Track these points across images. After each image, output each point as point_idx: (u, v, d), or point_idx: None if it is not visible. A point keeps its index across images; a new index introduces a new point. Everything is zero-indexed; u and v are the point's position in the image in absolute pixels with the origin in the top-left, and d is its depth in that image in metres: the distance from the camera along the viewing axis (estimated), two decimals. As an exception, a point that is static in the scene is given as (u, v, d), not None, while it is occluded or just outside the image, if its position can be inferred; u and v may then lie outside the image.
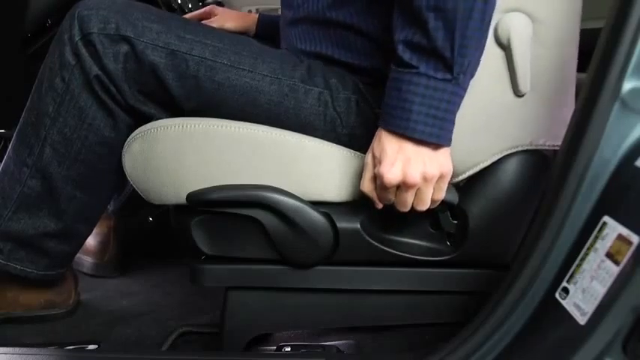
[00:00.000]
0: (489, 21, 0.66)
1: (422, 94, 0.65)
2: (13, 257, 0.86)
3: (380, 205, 0.72)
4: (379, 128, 0.70)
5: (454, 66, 0.64)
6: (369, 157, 0.71)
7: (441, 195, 0.71)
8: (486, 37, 0.67)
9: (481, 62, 0.68)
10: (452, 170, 0.69)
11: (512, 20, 0.70)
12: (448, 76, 0.64)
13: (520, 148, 0.74)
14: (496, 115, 0.73)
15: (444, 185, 0.70)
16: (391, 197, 0.70)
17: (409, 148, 0.67)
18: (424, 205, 0.70)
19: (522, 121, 0.73)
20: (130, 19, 0.76)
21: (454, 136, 0.69)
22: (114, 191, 0.96)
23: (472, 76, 0.67)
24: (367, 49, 0.80)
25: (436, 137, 0.66)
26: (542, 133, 0.74)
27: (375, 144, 0.70)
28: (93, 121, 0.80)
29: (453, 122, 0.67)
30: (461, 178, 0.75)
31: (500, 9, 0.70)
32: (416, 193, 0.69)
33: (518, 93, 0.72)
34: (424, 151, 0.67)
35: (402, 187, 0.68)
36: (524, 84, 0.71)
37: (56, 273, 0.92)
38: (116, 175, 0.88)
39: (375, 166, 0.69)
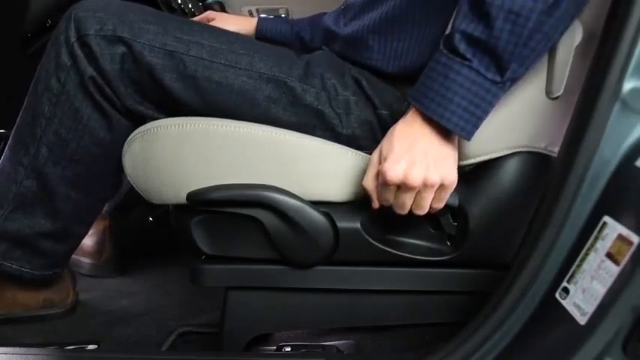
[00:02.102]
0: (555, 39, 0.65)
1: (467, 88, 0.64)
2: (9, 257, 0.86)
3: (376, 204, 0.72)
4: (399, 122, 0.69)
5: (507, 71, 0.63)
6: (375, 154, 0.71)
7: (440, 204, 0.70)
8: (545, 54, 0.67)
9: None
10: (455, 182, 0.69)
11: None
12: (497, 79, 0.64)
13: (532, 149, 0.74)
14: (522, 110, 0.72)
15: (445, 195, 0.70)
16: (390, 198, 0.70)
17: (418, 149, 0.66)
18: (422, 210, 0.70)
19: (545, 123, 0.73)
20: (127, 21, 0.76)
21: None
22: (110, 192, 0.96)
23: (514, 84, 0.67)
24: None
25: (467, 133, 0.66)
26: (559, 141, 0.73)
27: (384, 141, 0.70)
28: (88, 122, 0.80)
29: (482, 121, 0.66)
30: (469, 162, 0.74)
31: None
32: (415, 197, 0.69)
33: (550, 94, 0.71)
34: (431, 156, 0.67)
35: (402, 187, 0.68)
36: (558, 86, 0.71)
37: (52, 273, 0.92)
38: (112, 175, 0.88)
39: (380, 162, 0.69)
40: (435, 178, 0.67)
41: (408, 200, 0.69)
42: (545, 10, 0.61)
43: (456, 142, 0.70)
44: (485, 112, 0.65)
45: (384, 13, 0.83)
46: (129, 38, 0.76)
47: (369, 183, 0.71)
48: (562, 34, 0.66)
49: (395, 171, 0.66)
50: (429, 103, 0.65)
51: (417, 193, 0.68)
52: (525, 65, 0.64)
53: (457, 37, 0.64)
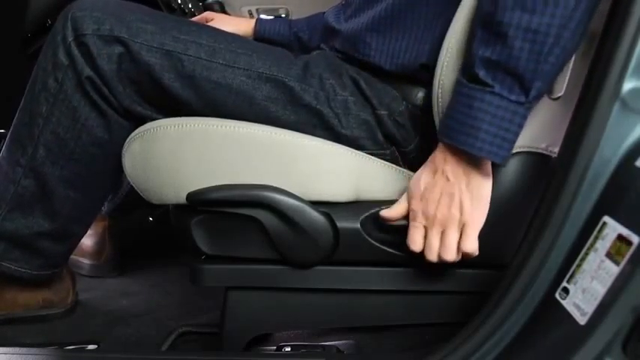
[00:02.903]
0: (573, 50, 0.64)
1: (493, 113, 0.62)
2: (7, 257, 0.86)
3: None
4: (428, 165, 0.70)
5: (531, 90, 0.62)
6: (411, 185, 0.72)
7: (471, 246, 0.69)
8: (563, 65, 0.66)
9: None
10: (477, 222, 0.68)
11: None
12: (522, 99, 0.62)
13: (533, 150, 0.74)
14: None
15: (472, 233, 0.68)
16: (419, 238, 0.70)
17: (442, 183, 0.67)
18: (449, 253, 0.69)
19: (546, 124, 0.73)
20: (124, 21, 0.76)
21: None
22: (109, 192, 0.96)
23: (539, 100, 0.66)
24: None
25: (501, 158, 0.64)
26: (560, 141, 0.73)
27: (414, 181, 0.71)
28: (86, 122, 0.80)
29: (514, 143, 0.65)
30: None
31: None
32: (441, 238, 0.69)
33: (550, 95, 0.71)
34: (458, 191, 0.67)
35: (426, 222, 0.69)
36: (559, 87, 0.70)
37: (51, 273, 0.92)
38: (111, 175, 0.88)
39: (412, 197, 0.71)
40: (455, 213, 0.67)
41: (434, 238, 0.69)
42: (562, 23, 0.60)
43: (490, 172, 0.68)
44: (516, 135, 0.64)
45: (383, 11, 0.83)
46: (126, 38, 0.75)
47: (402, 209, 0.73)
48: (579, 43, 0.64)
49: (417, 204, 0.69)
50: (458, 136, 0.64)
51: (442, 232, 0.69)
52: (547, 80, 0.63)
53: (477, 63, 0.63)
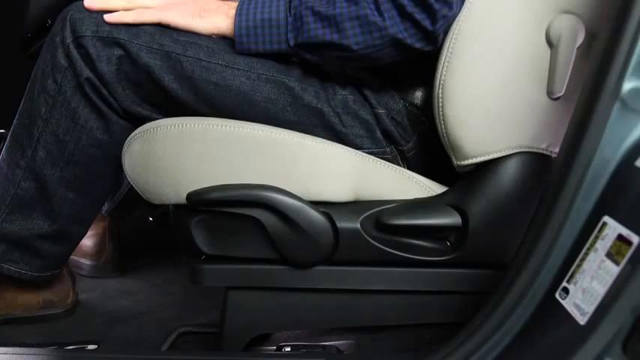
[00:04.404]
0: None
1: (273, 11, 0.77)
2: (7, 258, 0.86)
3: None
4: None
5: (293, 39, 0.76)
6: None
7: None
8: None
9: (524, 56, 0.69)
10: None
11: (568, 22, 0.70)
12: (291, 41, 0.77)
13: (534, 150, 0.74)
14: (523, 111, 0.72)
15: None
16: None
17: None
18: None
19: (547, 124, 0.73)
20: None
21: (474, 119, 0.69)
22: (108, 193, 0.96)
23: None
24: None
25: (238, 34, 0.77)
26: (560, 142, 0.74)
27: None
28: (85, 124, 0.80)
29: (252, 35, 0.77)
30: (470, 162, 0.74)
31: (559, 8, 0.70)
32: None
33: (551, 94, 0.72)
34: None
35: None
36: (559, 87, 0.71)
37: (51, 274, 0.92)
38: (110, 177, 0.88)
39: None
40: None
41: None
42: None
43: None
44: (263, 43, 0.77)
45: None
46: (125, 39, 0.75)
47: None
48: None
49: None
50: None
51: None
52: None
53: None
